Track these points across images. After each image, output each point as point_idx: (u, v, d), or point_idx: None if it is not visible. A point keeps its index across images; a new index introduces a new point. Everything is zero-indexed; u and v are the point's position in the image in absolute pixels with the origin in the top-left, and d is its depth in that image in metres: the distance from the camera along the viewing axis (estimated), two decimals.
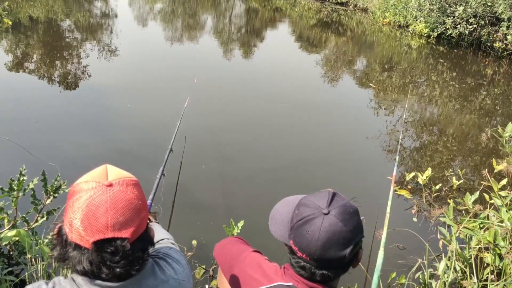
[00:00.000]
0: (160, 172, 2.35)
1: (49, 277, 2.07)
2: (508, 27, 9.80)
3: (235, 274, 1.27)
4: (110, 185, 0.89)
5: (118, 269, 0.88)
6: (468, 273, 2.36)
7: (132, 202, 0.90)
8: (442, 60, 9.81)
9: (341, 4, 16.97)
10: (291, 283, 1.07)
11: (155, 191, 2.11)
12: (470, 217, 2.65)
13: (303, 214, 1.02)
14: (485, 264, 2.42)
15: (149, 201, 1.94)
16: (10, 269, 2.19)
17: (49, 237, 2.19)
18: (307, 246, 1.00)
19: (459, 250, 2.43)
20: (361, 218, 1.05)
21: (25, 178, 2.02)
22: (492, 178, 2.80)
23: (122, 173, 0.95)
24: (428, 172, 3.81)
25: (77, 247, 0.88)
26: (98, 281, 0.91)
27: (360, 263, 1.07)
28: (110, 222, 0.85)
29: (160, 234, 1.30)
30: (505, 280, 2.22)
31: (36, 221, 2.14)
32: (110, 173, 0.93)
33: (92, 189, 0.88)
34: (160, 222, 1.66)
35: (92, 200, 0.86)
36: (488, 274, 2.32)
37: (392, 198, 2.64)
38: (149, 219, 1.41)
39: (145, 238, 0.95)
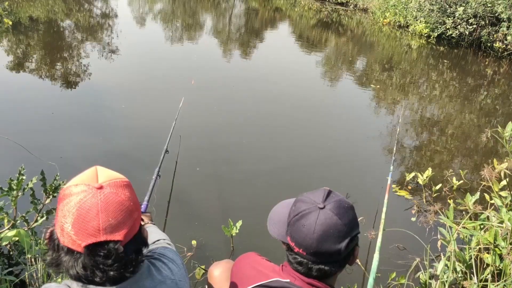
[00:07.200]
0: (156, 173, 2.35)
1: (49, 277, 2.07)
2: (508, 27, 9.80)
3: (233, 275, 1.27)
4: (101, 187, 0.87)
5: (111, 273, 0.87)
6: (468, 274, 2.36)
7: (124, 204, 0.88)
8: (445, 60, 9.79)
9: (341, 4, 16.96)
10: (288, 280, 1.07)
11: (151, 192, 2.11)
12: (469, 217, 2.64)
13: (300, 209, 1.05)
14: (485, 265, 2.42)
15: (145, 202, 1.94)
16: (10, 269, 2.18)
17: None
18: (303, 240, 1.02)
19: (457, 250, 2.42)
20: (361, 218, 1.06)
21: (24, 177, 2.02)
22: (494, 179, 2.79)
23: (113, 175, 0.93)
24: (428, 172, 3.80)
25: (70, 251, 0.86)
26: (92, 286, 0.89)
27: (360, 263, 1.08)
28: (101, 225, 0.84)
29: (156, 235, 1.28)
30: (505, 281, 2.22)
31: (36, 220, 2.14)
32: (100, 175, 0.91)
33: (82, 192, 0.86)
34: (156, 223, 1.65)
35: (83, 204, 0.85)
36: (488, 274, 2.32)
37: (387, 205, 2.61)
38: (143, 220, 1.40)
39: (139, 240, 0.94)
